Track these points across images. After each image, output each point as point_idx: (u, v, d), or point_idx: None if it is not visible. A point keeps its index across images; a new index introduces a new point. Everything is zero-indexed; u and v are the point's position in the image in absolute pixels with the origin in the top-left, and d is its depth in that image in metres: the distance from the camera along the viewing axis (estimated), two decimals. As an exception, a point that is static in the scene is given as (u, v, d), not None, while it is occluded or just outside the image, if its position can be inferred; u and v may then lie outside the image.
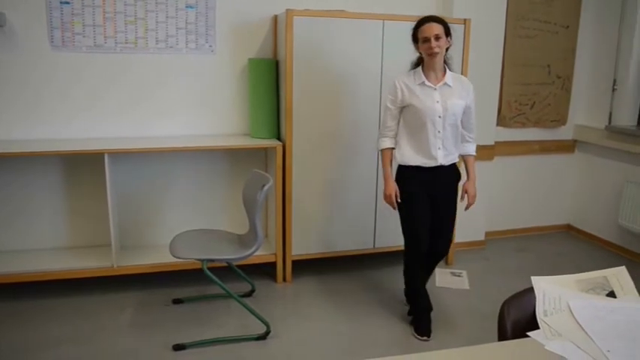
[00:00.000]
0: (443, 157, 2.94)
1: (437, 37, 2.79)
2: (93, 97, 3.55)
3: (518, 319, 1.48)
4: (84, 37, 3.48)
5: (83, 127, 3.57)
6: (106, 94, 3.57)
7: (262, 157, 3.90)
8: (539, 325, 1.45)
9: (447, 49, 2.89)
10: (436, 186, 3.00)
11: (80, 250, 3.62)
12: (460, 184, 3.13)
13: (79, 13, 3.45)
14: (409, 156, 2.97)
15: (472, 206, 3.13)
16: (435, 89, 2.89)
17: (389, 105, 2.98)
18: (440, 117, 2.88)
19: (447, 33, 2.86)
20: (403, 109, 2.95)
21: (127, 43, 3.54)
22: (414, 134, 2.95)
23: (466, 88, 2.97)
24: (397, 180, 3.04)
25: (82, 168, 3.60)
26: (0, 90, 3.41)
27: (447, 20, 2.89)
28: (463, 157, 3.14)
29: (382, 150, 3.04)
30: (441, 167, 2.94)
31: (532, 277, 1.57)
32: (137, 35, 3.55)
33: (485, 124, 4.20)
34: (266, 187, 2.81)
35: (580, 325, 1.44)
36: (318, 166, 3.61)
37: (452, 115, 2.90)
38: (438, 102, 2.87)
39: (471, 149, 3.14)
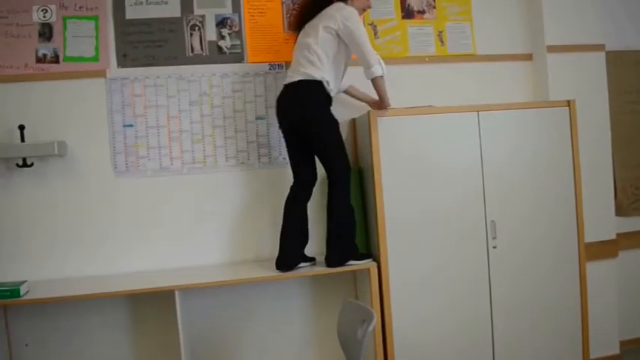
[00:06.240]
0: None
1: None
2: (159, 224, 3.22)
3: None
4: (149, 160, 3.20)
5: (151, 258, 3.22)
6: (171, 219, 3.24)
7: (351, 280, 3.41)
8: None
9: None
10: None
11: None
12: None
13: (143, 135, 3.19)
14: None
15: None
16: None
17: None
18: None
19: None
20: None
21: (194, 162, 3.23)
22: None
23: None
24: None
25: (149, 305, 3.18)
26: (62, 224, 3.14)
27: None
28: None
29: None
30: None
31: None
32: (205, 153, 3.25)
33: (602, 216, 3.63)
34: (370, 327, 2.28)
35: None
36: (421, 285, 3.07)
37: None
38: None
39: None
